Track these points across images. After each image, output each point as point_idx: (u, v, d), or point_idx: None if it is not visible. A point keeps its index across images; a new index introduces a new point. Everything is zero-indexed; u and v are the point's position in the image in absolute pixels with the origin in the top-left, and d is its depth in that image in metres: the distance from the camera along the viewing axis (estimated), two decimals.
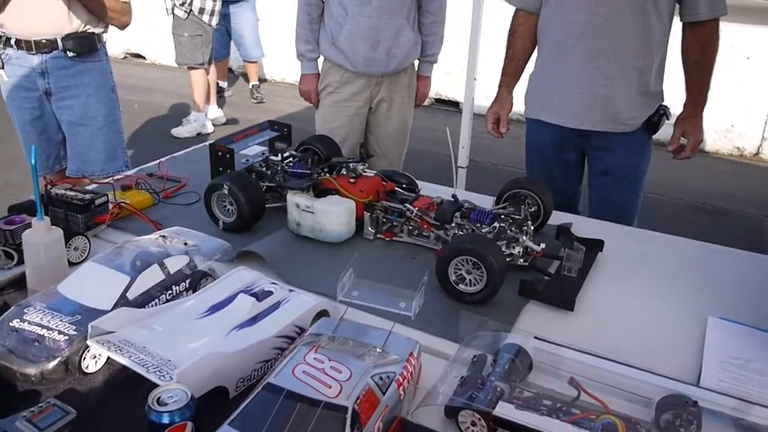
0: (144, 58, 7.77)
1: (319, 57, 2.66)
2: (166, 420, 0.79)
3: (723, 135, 5.25)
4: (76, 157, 2.54)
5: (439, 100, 6.22)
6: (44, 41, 2.34)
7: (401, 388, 0.90)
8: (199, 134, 5.20)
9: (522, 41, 2.16)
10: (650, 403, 0.93)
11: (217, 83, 5.77)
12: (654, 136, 2.05)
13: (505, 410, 0.87)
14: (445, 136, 1.53)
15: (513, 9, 2.17)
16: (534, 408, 0.89)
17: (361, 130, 2.72)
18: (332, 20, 2.52)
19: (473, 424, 0.91)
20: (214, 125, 5.39)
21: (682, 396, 0.92)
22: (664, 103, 2.03)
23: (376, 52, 2.49)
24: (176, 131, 5.20)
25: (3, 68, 2.43)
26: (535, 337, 1.04)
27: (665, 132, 2.05)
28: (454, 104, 6.08)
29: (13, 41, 2.36)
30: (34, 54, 2.36)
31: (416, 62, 2.74)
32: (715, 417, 0.93)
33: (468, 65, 3.23)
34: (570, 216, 1.69)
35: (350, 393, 0.82)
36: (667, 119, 2.03)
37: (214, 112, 5.53)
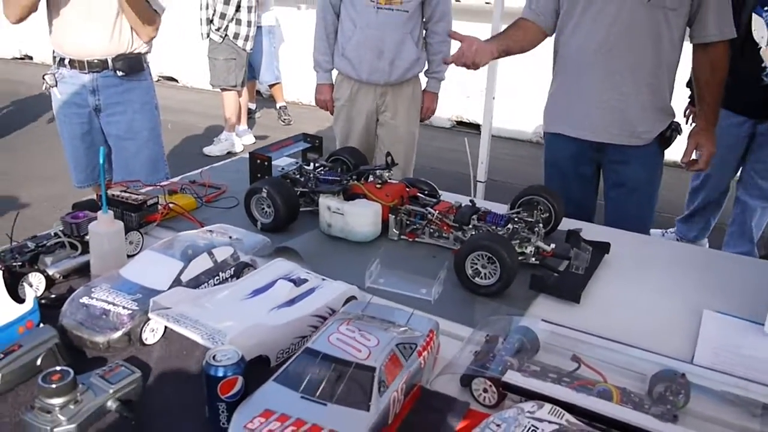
0: (176, 81, 8.06)
1: (333, 69, 2.97)
2: (220, 373, 0.91)
3: None
4: (122, 169, 2.71)
5: (460, 123, 6.36)
6: (96, 61, 2.53)
7: (422, 357, 1.02)
8: (229, 153, 5.38)
9: (521, 32, 2.15)
10: (645, 378, 1.03)
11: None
12: (666, 157, 2.12)
13: (513, 377, 0.98)
14: (465, 156, 1.64)
15: None
16: (539, 378, 1.00)
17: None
18: (343, 35, 2.85)
19: (485, 390, 1.02)
20: (243, 145, 5.59)
21: (673, 371, 1.02)
22: (675, 120, 2.11)
23: (380, 62, 2.80)
24: (208, 149, 5.40)
25: (56, 86, 2.61)
26: (542, 320, 1.15)
27: (677, 150, 2.14)
28: (475, 126, 6.20)
29: (66, 61, 2.55)
30: (86, 73, 2.55)
31: (424, 80, 3.00)
32: (704, 392, 1.02)
33: (487, 85, 3.36)
34: (580, 222, 1.78)
35: (378, 356, 0.94)
36: (679, 134, 2.11)
37: (245, 132, 5.74)
